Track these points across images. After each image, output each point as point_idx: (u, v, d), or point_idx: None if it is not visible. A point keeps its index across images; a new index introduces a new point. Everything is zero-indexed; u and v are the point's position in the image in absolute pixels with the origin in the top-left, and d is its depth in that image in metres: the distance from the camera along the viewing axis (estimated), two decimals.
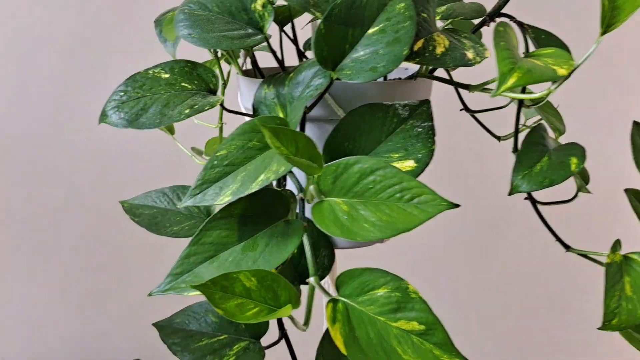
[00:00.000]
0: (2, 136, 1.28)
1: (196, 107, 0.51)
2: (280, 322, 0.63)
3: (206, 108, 0.51)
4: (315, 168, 0.43)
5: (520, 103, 0.60)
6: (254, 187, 0.46)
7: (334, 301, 0.48)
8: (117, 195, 1.22)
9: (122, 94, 0.52)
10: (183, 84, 0.53)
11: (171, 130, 0.78)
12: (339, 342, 0.46)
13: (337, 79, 0.51)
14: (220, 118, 0.69)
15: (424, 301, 0.47)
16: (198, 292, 0.48)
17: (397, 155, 0.52)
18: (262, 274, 0.46)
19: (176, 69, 0.54)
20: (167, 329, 0.63)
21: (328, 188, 0.46)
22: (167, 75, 0.54)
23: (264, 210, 0.51)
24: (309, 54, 0.66)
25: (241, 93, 0.62)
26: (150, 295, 0.50)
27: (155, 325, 0.65)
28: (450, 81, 0.60)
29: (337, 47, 0.50)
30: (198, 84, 0.54)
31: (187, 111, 0.51)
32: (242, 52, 0.64)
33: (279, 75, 0.54)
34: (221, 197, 0.47)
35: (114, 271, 1.34)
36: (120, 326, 1.36)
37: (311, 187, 0.47)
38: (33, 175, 1.30)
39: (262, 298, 0.46)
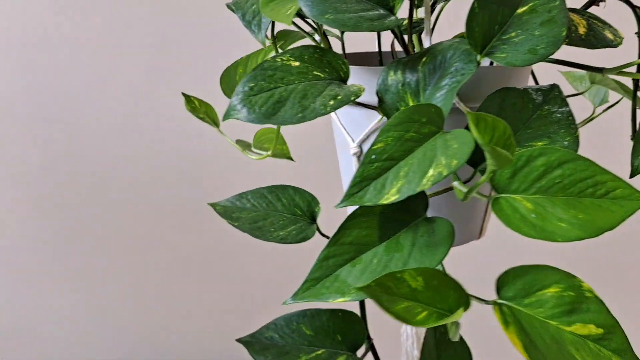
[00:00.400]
0: (78, 134, 1.20)
1: (340, 97, 0.45)
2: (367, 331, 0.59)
3: (352, 98, 0.45)
4: (509, 160, 0.39)
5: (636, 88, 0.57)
6: (426, 184, 0.40)
7: (498, 305, 0.43)
8: (184, 193, 1.16)
9: (252, 85, 0.45)
10: (315, 72, 0.47)
11: (216, 122, 0.73)
12: (518, 347, 0.41)
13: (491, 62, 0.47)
14: None
15: (600, 301, 0.42)
16: (346, 299, 0.43)
17: (540, 143, 0.48)
18: (428, 272, 0.41)
19: (306, 55, 0.48)
20: (256, 345, 0.57)
21: (504, 183, 0.42)
22: (297, 63, 0.47)
23: (401, 207, 0.46)
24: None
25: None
26: (285, 304, 0.45)
27: (240, 341, 0.59)
28: (583, 65, 0.56)
29: (488, 28, 0.46)
30: (329, 72, 0.48)
31: (331, 103, 0.45)
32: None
33: (406, 60, 0.49)
34: (385, 196, 0.41)
35: (182, 272, 1.31)
36: (199, 329, 1.33)
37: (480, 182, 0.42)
38: (106, 173, 1.25)
39: (430, 300, 0.41)
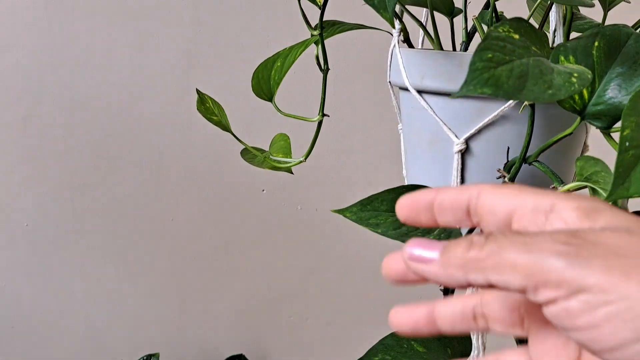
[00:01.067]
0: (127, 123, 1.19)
1: (577, 76, 0.39)
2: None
3: (589, 76, 0.39)
4: None
5: None
6: None
7: None
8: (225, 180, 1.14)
9: (489, 55, 0.38)
10: (533, 47, 0.42)
11: (228, 127, 0.70)
12: None
13: None
14: (322, 108, 0.61)
15: None
16: None
17: None
18: None
19: (522, 29, 0.42)
20: None
21: None
22: (517, 36, 0.41)
23: None
24: None
25: (410, 69, 0.54)
26: None
27: None
28: None
29: None
30: (540, 48, 0.43)
31: (574, 80, 0.39)
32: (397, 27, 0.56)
33: (575, 44, 0.45)
34: None
35: (217, 266, 1.30)
36: (223, 321, 1.32)
37: None
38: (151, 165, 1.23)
39: None
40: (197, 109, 0.66)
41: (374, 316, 1.37)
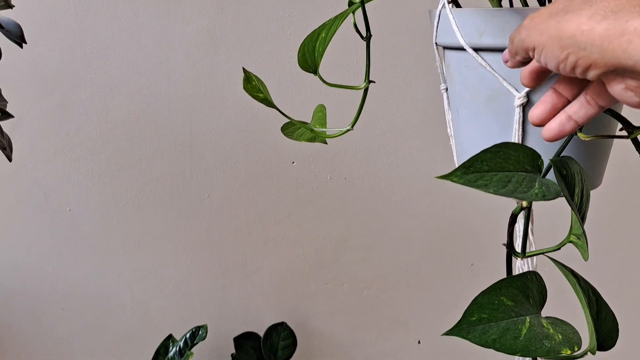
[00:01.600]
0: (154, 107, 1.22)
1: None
2: None
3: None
4: None
5: None
6: None
7: None
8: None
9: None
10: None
11: (271, 102, 0.72)
12: None
13: None
14: (367, 75, 0.64)
15: None
16: None
17: None
18: None
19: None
20: (471, 332, 0.54)
21: None
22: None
23: None
24: None
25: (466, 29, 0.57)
26: None
27: (450, 333, 0.54)
28: None
29: None
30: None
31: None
32: None
33: None
34: None
35: (254, 238, 1.34)
36: (263, 291, 1.37)
37: None
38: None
39: None
40: (244, 88, 0.68)
41: (407, 279, 1.40)
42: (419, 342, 1.44)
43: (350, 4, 0.62)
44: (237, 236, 1.34)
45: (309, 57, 0.63)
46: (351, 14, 0.62)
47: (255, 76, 0.69)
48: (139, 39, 1.22)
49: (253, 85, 0.68)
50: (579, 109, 0.51)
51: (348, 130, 0.66)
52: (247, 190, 1.32)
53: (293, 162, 1.32)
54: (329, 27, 0.60)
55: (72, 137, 1.24)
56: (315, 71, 0.64)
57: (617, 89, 0.46)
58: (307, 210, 1.35)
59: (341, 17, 0.60)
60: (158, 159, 1.27)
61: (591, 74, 0.45)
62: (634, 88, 0.45)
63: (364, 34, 0.62)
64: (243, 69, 0.68)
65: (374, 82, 0.63)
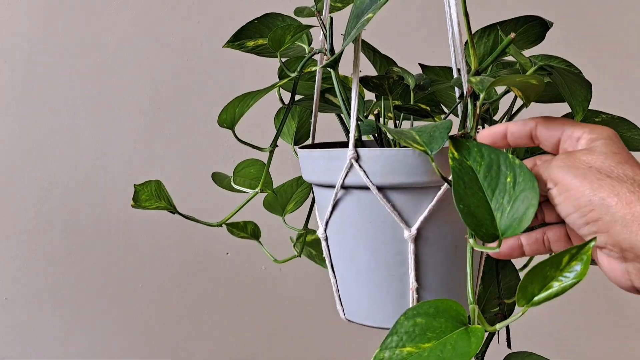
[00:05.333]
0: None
1: None
2: None
3: None
4: None
5: None
6: None
7: None
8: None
9: None
10: None
11: (172, 203, 0.74)
12: None
13: None
14: (276, 139, 0.70)
15: None
16: None
17: None
18: None
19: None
20: None
21: None
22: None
23: None
24: None
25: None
26: None
27: None
28: None
29: None
30: None
31: None
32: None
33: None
34: None
35: (187, 328, 1.30)
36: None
37: None
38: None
39: None
40: (132, 206, 0.69)
41: None
42: None
43: (282, 77, 0.69)
44: (170, 326, 1.35)
45: (229, 116, 0.67)
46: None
47: (148, 185, 0.70)
48: (77, 134, 1.28)
49: (145, 198, 0.70)
50: (533, 243, 0.53)
51: (256, 193, 0.71)
52: (181, 280, 1.34)
53: (227, 253, 1.36)
54: (255, 95, 0.66)
55: (9, 229, 1.27)
56: (231, 127, 0.68)
57: (619, 267, 0.48)
58: (241, 301, 1.37)
59: (270, 88, 0.66)
60: (92, 250, 1.30)
61: (602, 239, 0.47)
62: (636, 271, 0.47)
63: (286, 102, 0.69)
64: (135, 186, 0.70)
65: (277, 147, 0.70)
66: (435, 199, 0.56)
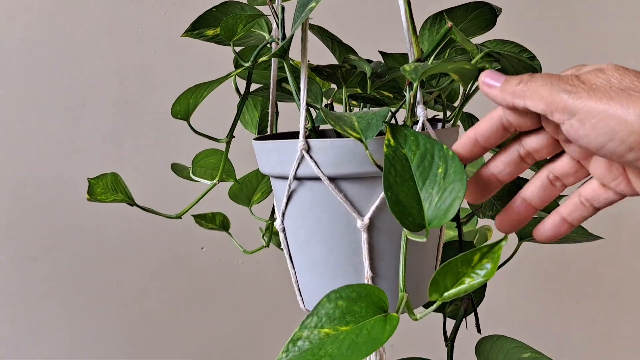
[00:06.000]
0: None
1: None
2: None
3: None
4: None
5: None
6: None
7: None
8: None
9: None
10: None
11: (129, 195, 0.73)
12: None
13: None
14: (232, 129, 0.69)
15: None
16: None
17: None
18: None
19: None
20: None
21: None
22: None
23: None
24: None
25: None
26: None
27: None
28: None
29: None
30: None
31: None
32: None
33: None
34: None
35: (165, 324, 1.29)
36: None
37: None
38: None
39: None
40: (88, 200, 0.69)
41: None
42: None
43: (237, 66, 0.69)
44: (147, 323, 1.34)
45: (183, 107, 0.67)
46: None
47: (103, 178, 0.70)
48: (46, 132, 1.27)
49: (100, 192, 0.70)
50: (574, 210, 0.49)
51: (214, 184, 0.70)
52: (156, 277, 1.34)
53: (202, 248, 1.35)
54: (209, 85, 0.65)
55: None
56: (186, 118, 0.67)
57: None
58: (219, 296, 1.37)
59: (223, 78, 0.65)
60: (65, 249, 1.29)
61: None
62: None
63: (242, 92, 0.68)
64: (88, 179, 0.69)
65: (234, 137, 0.69)
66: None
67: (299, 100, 0.59)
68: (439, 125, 0.66)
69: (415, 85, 0.52)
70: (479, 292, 0.75)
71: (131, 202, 0.71)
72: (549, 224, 0.50)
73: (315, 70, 0.63)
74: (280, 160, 0.58)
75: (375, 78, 0.67)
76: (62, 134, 1.28)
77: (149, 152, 1.31)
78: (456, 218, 0.68)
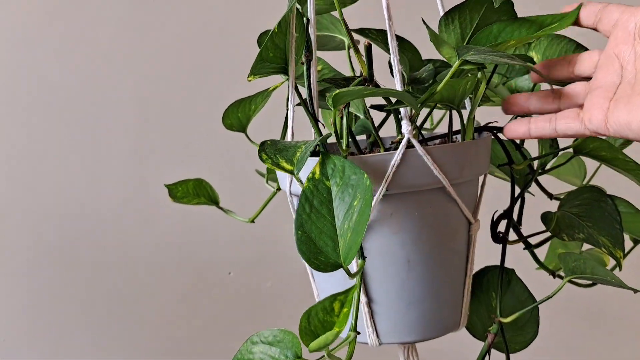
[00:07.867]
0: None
1: None
2: None
3: None
4: None
5: None
6: None
7: None
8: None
9: None
10: None
11: (214, 198, 0.74)
12: None
13: None
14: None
15: None
16: None
17: None
18: None
19: None
20: None
21: None
22: None
23: None
24: None
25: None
26: None
27: None
28: None
29: None
30: None
31: None
32: None
33: None
34: None
35: (199, 350, 1.27)
36: None
37: None
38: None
39: None
40: (175, 201, 0.72)
41: None
42: None
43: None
44: (176, 354, 1.31)
45: (240, 119, 0.67)
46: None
47: (183, 184, 0.71)
48: (66, 162, 1.25)
49: (181, 196, 0.72)
50: (541, 120, 0.53)
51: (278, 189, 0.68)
52: (183, 306, 1.31)
53: (230, 273, 1.33)
54: (263, 96, 0.65)
55: (5, 265, 1.24)
56: (244, 130, 0.68)
57: None
58: (248, 320, 1.34)
59: (272, 89, 0.65)
60: (91, 280, 1.27)
61: None
62: None
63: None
64: (165, 185, 0.71)
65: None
66: (375, 210, 0.52)
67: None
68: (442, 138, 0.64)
69: (334, 111, 0.52)
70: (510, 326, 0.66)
71: (214, 204, 0.73)
72: (515, 121, 0.55)
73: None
74: (281, 178, 0.59)
75: (414, 84, 0.64)
76: (82, 163, 1.26)
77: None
78: (502, 239, 0.64)
